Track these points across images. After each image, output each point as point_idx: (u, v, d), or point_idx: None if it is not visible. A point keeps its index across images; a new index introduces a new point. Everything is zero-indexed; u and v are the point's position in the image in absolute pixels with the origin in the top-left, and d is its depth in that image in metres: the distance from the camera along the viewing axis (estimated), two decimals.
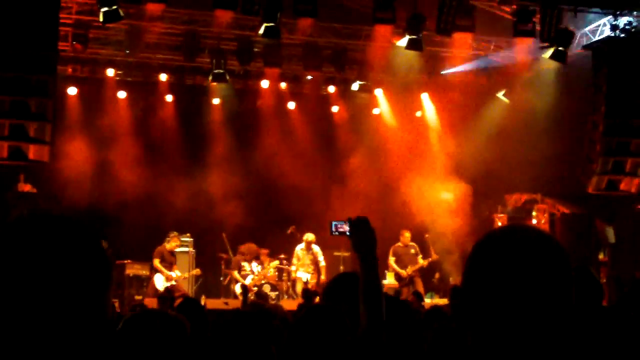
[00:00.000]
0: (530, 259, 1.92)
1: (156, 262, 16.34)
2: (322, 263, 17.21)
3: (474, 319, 1.95)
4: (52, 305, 1.62)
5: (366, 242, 3.92)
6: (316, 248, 17.20)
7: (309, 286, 15.98)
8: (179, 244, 16.90)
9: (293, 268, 17.24)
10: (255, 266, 16.99)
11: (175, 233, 16.69)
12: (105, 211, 17.76)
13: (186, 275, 16.94)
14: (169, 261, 16.48)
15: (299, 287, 16.67)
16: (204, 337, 4.32)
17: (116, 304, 15.28)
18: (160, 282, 16.28)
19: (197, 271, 17.23)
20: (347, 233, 4.06)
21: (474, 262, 1.99)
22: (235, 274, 16.91)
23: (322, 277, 16.86)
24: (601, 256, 17.13)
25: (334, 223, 4.23)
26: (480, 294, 1.94)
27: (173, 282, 16.26)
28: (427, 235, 17.84)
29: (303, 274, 17.01)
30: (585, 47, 17.45)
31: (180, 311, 4.91)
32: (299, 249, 17.24)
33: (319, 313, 4.03)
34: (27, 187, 15.23)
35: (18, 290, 1.61)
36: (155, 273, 16.38)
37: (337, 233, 4.21)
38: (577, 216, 17.87)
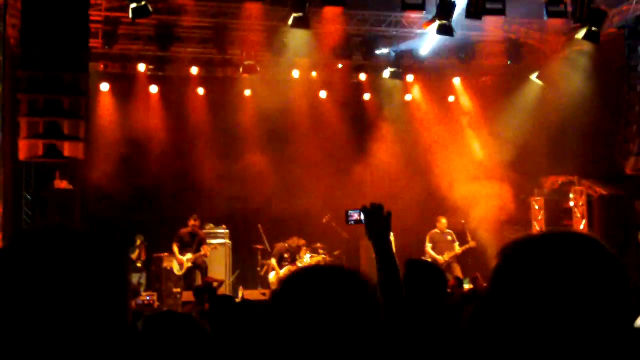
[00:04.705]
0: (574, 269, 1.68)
1: (174, 247, 16.40)
2: None
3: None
4: (64, 317, 1.63)
5: (378, 230, 3.85)
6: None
7: None
8: (194, 225, 16.73)
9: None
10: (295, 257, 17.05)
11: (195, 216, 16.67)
12: (142, 205, 17.93)
13: (189, 256, 16.48)
14: (186, 243, 16.45)
15: None
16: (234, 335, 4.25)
17: (154, 297, 15.39)
18: (176, 268, 16.39)
19: (205, 250, 16.61)
20: (362, 221, 4.01)
21: (504, 272, 1.76)
22: (274, 261, 16.91)
23: None
24: None
25: (348, 212, 4.19)
26: (510, 312, 1.71)
27: (189, 265, 16.21)
28: (463, 222, 17.76)
29: None
30: (618, 26, 17.21)
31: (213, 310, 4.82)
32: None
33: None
34: (63, 184, 15.33)
35: (30, 303, 1.62)
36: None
37: (352, 222, 4.17)
38: (614, 197, 17.63)
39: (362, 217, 3.96)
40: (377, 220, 3.86)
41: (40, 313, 1.62)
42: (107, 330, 1.68)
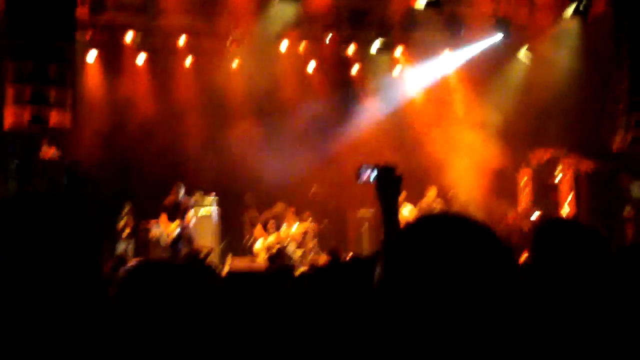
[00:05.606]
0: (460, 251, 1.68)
1: (162, 217, 16.35)
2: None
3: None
4: (41, 276, 1.68)
5: (388, 191, 3.83)
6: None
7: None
8: (176, 196, 16.67)
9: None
10: (283, 225, 17.10)
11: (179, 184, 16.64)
12: (130, 173, 17.90)
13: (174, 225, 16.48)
14: (172, 213, 16.43)
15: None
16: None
17: None
18: (163, 238, 16.38)
19: (188, 219, 16.62)
20: (371, 180, 3.94)
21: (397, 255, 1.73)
22: (259, 229, 16.90)
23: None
24: (626, 212, 17.00)
25: (361, 169, 4.11)
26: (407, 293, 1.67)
27: (174, 235, 16.22)
28: (450, 193, 17.85)
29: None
30: (607, 3, 17.17)
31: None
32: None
33: None
34: (50, 152, 15.24)
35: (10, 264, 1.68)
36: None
37: (362, 181, 4.12)
38: (601, 172, 17.72)
39: (372, 177, 3.90)
40: (388, 181, 3.83)
41: (9, 276, 1.66)
42: (79, 294, 1.72)
